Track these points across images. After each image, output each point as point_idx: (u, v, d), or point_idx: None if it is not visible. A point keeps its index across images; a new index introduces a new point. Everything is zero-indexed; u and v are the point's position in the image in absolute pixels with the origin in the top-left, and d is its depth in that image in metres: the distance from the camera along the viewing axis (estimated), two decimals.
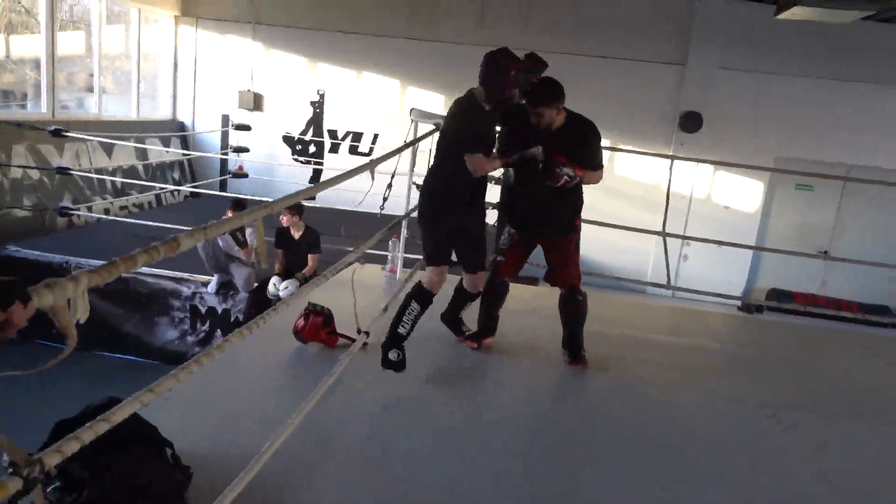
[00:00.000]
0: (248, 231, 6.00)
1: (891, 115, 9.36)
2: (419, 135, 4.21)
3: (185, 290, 6.19)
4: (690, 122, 9.58)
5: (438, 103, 10.44)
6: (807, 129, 9.35)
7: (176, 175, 10.76)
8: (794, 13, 5.93)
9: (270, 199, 2.09)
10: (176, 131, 10.88)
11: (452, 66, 10.30)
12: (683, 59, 9.48)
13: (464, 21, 10.22)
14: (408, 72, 10.57)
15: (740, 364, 4.12)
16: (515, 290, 3.80)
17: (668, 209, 9.85)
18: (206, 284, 6.17)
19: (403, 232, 4.58)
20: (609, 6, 9.75)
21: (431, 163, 3.40)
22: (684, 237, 6.36)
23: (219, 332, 6.11)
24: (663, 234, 4.83)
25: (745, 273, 10.15)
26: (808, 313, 9.40)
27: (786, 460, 2.84)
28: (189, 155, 10.75)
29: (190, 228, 1.40)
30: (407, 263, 4.63)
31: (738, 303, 9.74)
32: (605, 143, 11.29)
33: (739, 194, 10.00)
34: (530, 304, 4.50)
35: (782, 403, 3.42)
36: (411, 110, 4.39)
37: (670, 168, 5.16)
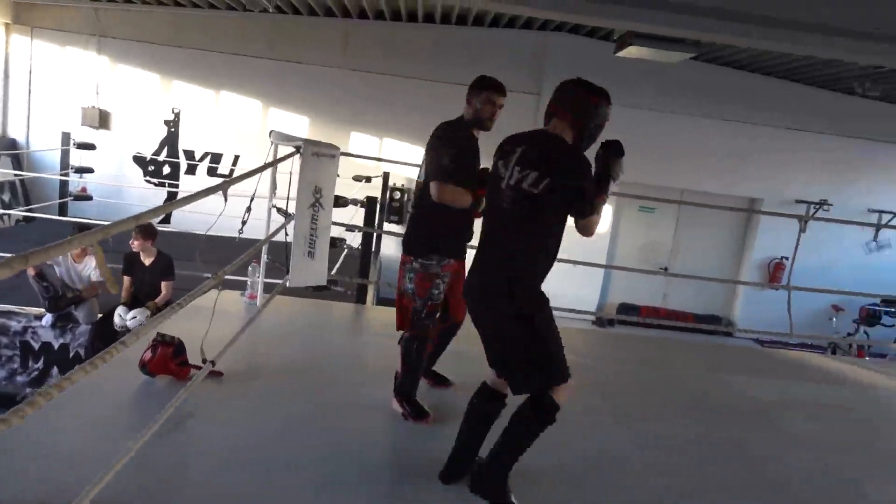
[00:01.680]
0: (88, 263, 5.55)
1: (716, 145, 10.48)
2: (279, 157, 4.13)
3: (15, 325, 5.58)
4: None
5: (302, 125, 10.31)
6: (647, 156, 10.23)
7: (6, 197, 9.72)
8: (630, 52, 6.51)
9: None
10: (6, 149, 9.86)
11: (316, 89, 10.26)
12: (538, 89, 10.06)
13: (327, 44, 10.20)
14: (269, 92, 10.35)
15: (595, 375, 4.39)
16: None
17: None
18: (39, 317, 5.61)
19: (264, 257, 4.44)
20: (468, 36, 10.16)
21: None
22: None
23: (55, 369, 5.56)
24: None
25: (597, 289, 10.85)
26: (653, 325, 10.24)
27: (639, 464, 3.06)
28: (22, 175, 9.76)
29: (9, 256, 1.28)
30: (267, 289, 4.50)
31: (593, 317, 10.40)
32: None
33: None
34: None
35: (633, 412, 3.68)
36: (270, 132, 4.30)
37: None
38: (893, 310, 9.66)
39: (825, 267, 10.01)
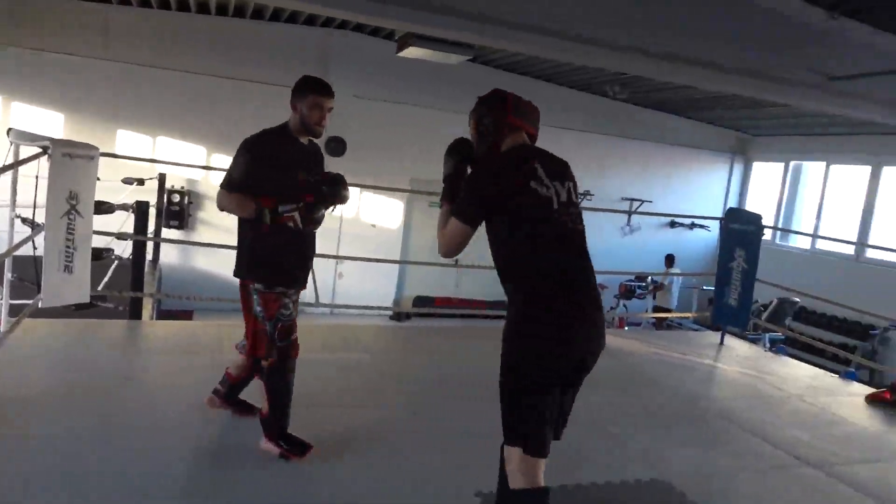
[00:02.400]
0: None
1: None
2: (21, 158, 3.58)
3: None
4: (336, 145, 10.09)
5: (56, 123, 9.09)
6: (436, 153, 10.61)
7: None
8: (411, 52, 6.70)
9: None
10: None
11: (70, 82, 9.11)
12: None
13: (82, 31, 9.09)
14: (10, 85, 8.98)
15: (388, 368, 4.44)
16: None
17: (320, 229, 10.25)
18: None
19: (7, 274, 3.82)
20: (249, 30, 9.71)
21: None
22: (335, 256, 6.62)
23: None
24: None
25: (393, 284, 11.05)
26: (448, 315, 10.69)
27: (424, 445, 3.14)
28: None
29: None
30: (13, 311, 3.88)
31: (390, 312, 10.59)
32: None
33: (384, 213, 10.87)
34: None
35: (424, 399, 3.79)
36: (9, 131, 3.72)
37: None
38: (644, 284, 11.14)
39: (591, 250, 11.23)
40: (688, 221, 12.24)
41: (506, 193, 2.04)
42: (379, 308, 9.34)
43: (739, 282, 5.38)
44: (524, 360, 2.01)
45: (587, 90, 11.27)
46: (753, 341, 7.70)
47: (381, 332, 6.28)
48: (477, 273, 11.49)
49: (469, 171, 2.26)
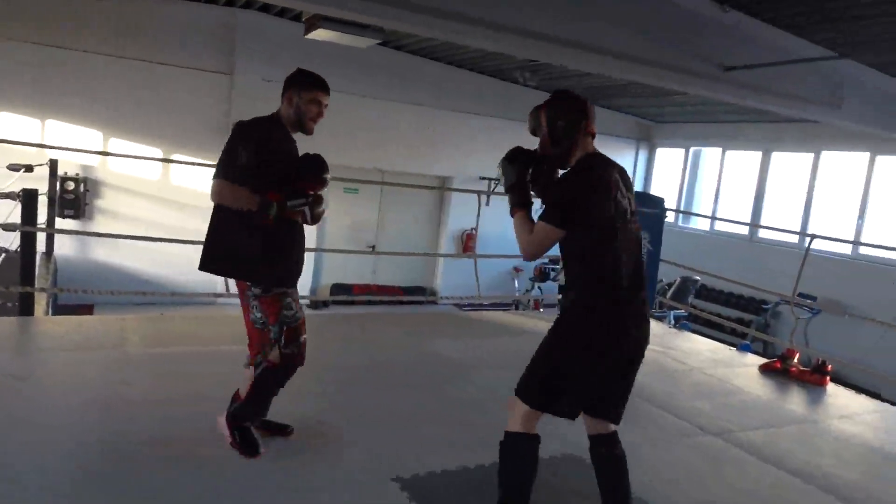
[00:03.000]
0: None
1: (410, 127, 11.16)
2: None
3: None
4: None
5: None
6: (349, 138, 10.42)
7: None
8: (319, 34, 6.52)
9: None
10: None
11: None
12: (231, 68, 9.55)
13: None
14: None
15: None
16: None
17: None
18: None
19: None
20: (148, 7, 9.16)
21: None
22: None
23: None
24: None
25: (310, 272, 10.84)
26: (365, 301, 10.61)
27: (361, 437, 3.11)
28: None
29: None
30: None
31: (308, 301, 10.39)
32: (157, 153, 10.64)
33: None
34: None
35: (339, 387, 3.74)
36: None
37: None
38: (557, 266, 11.45)
39: (505, 234, 11.40)
40: None
41: (596, 202, 2.23)
42: None
43: (645, 262, 5.61)
44: (582, 346, 2.26)
45: (498, 77, 11.39)
46: (659, 319, 8.09)
47: None
48: (394, 260, 11.48)
49: (542, 174, 2.40)
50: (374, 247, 11.41)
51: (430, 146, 11.35)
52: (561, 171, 2.37)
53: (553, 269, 11.20)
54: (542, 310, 10.13)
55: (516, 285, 11.86)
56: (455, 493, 2.74)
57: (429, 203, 12.09)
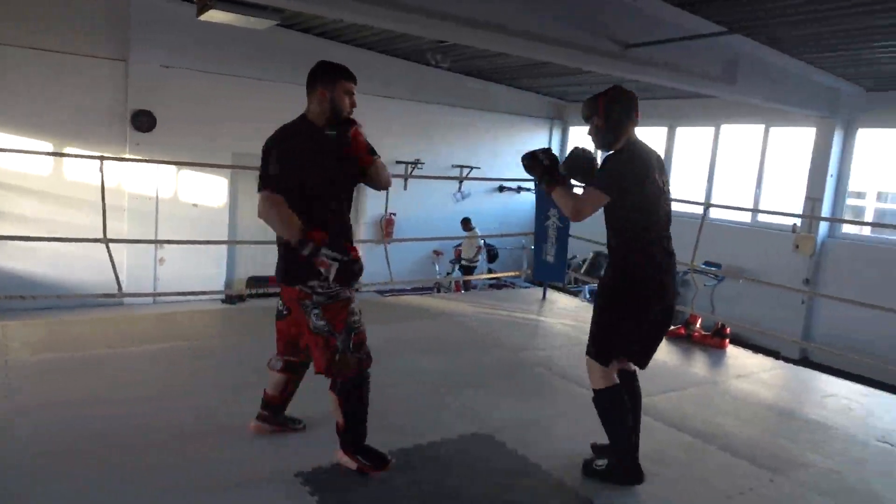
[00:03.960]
0: None
1: None
2: None
3: None
4: (143, 120, 9.22)
5: None
6: (251, 125, 10.03)
7: None
8: (212, 16, 6.21)
9: None
10: None
11: None
12: (125, 55, 9.01)
13: None
14: None
15: (210, 354, 4.19)
16: None
17: (134, 212, 9.38)
18: None
19: None
20: None
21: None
22: (131, 241, 6.09)
23: None
24: (105, 241, 4.50)
25: (223, 266, 10.46)
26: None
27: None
28: None
29: None
30: None
31: (223, 296, 10.04)
32: (48, 146, 9.94)
33: (206, 191, 10.16)
34: None
35: (243, 382, 3.62)
36: None
37: (101, 169, 4.84)
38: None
39: (426, 217, 11.39)
40: (514, 185, 12.82)
41: (640, 180, 2.67)
42: (209, 293, 8.77)
43: (555, 239, 5.71)
44: (631, 299, 2.71)
45: (410, 59, 11.27)
46: (574, 293, 8.30)
47: (209, 316, 5.91)
48: None
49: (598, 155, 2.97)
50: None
51: None
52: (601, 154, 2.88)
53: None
54: (462, 291, 10.19)
55: (437, 268, 11.87)
56: (358, 481, 2.68)
57: None
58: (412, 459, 2.89)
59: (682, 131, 11.73)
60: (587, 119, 2.82)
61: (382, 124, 11.30)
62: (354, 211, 12.53)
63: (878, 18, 6.21)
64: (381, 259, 6.74)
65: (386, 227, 11.21)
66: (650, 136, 12.36)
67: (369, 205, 11.71)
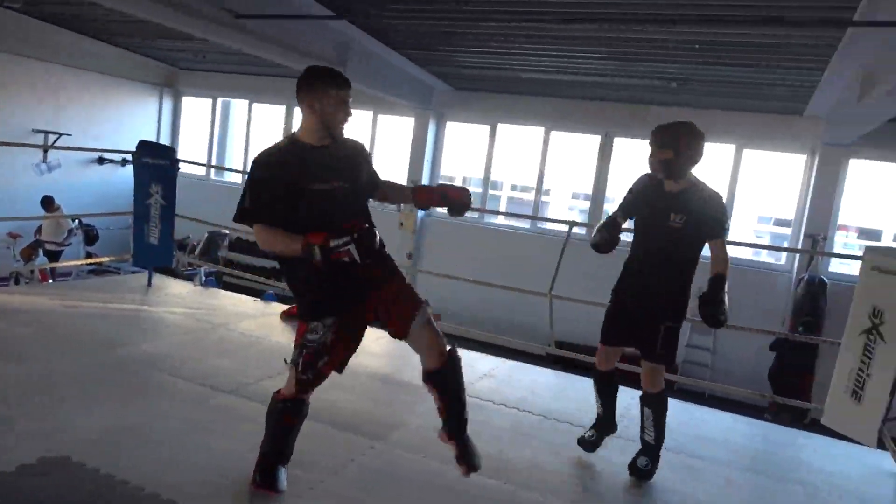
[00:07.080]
0: None
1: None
2: None
3: None
4: None
5: None
6: None
7: None
8: None
9: None
10: None
11: None
12: None
13: None
14: None
15: None
16: None
17: None
18: None
19: None
20: None
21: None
22: None
23: None
24: None
25: None
26: None
27: None
28: None
29: None
30: None
31: None
32: None
33: None
34: None
35: None
36: None
37: None
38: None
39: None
40: (119, 157, 11.35)
41: None
42: None
43: (158, 218, 5.15)
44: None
45: None
46: (189, 277, 7.72)
47: None
48: None
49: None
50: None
51: None
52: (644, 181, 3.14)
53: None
54: (51, 281, 8.62)
55: (14, 254, 9.66)
56: None
57: None
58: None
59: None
60: (659, 147, 2.96)
61: None
62: None
63: (461, 27, 7.16)
64: None
65: None
66: (265, 113, 12.26)
67: None
